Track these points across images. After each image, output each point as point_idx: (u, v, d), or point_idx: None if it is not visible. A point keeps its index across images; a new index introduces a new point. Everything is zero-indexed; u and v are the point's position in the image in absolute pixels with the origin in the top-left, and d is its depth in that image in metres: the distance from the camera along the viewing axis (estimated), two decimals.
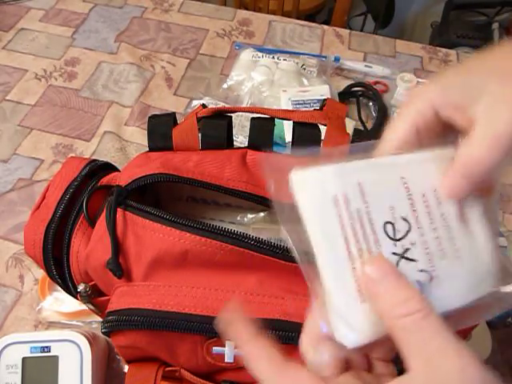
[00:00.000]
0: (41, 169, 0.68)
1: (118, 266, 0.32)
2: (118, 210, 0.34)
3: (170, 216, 0.33)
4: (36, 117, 0.74)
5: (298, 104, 0.70)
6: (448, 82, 0.23)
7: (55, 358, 0.44)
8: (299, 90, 0.72)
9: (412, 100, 0.23)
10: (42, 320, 0.54)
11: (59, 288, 0.54)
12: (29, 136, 0.71)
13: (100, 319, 0.53)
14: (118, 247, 0.33)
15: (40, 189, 0.65)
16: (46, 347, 0.44)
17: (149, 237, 0.33)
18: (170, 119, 0.39)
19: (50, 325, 0.54)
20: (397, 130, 0.23)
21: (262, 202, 0.35)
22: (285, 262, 0.31)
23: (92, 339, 0.46)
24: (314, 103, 0.69)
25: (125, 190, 0.35)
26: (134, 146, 0.71)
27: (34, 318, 0.54)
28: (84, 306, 0.52)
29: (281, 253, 0.31)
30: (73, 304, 0.53)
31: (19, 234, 0.61)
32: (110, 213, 0.33)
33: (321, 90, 0.72)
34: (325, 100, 0.40)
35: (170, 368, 0.34)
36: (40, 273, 0.57)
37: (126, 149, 0.70)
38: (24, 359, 0.44)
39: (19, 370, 0.44)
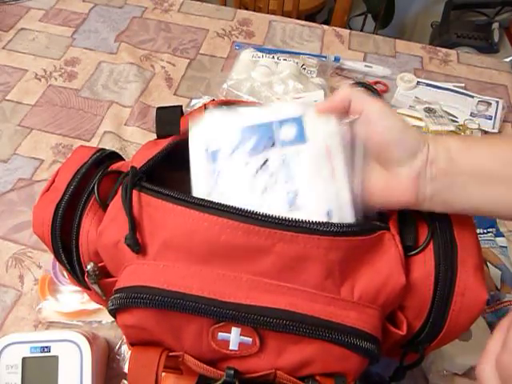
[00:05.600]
0: (41, 169, 0.68)
1: (136, 242, 0.32)
2: (133, 191, 0.34)
3: (182, 195, 0.32)
4: (36, 117, 0.74)
5: None
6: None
7: (55, 357, 0.44)
8: (294, 98, 0.72)
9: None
10: (42, 320, 0.54)
11: (59, 288, 0.55)
12: (29, 136, 0.71)
13: (100, 319, 0.53)
14: (134, 224, 0.33)
15: (40, 189, 0.65)
16: (46, 347, 0.44)
17: (161, 217, 0.33)
18: (177, 109, 0.41)
19: (50, 325, 0.54)
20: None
21: None
22: (293, 234, 0.30)
23: (92, 339, 0.46)
24: None
25: (139, 171, 0.36)
26: (134, 146, 0.71)
27: (34, 318, 0.54)
28: (84, 306, 0.53)
29: (290, 225, 0.30)
30: (73, 304, 0.53)
31: (19, 234, 0.61)
32: (127, 192, 0.34)
33: (315, 96, 0.72)
34: None
35: (173, 353, 0.34)
36: (40, 273, 0.57)
37: (125, 149, 0.70)
38: (24, 359, 0.44)
39: (19, 370, 0.44)
